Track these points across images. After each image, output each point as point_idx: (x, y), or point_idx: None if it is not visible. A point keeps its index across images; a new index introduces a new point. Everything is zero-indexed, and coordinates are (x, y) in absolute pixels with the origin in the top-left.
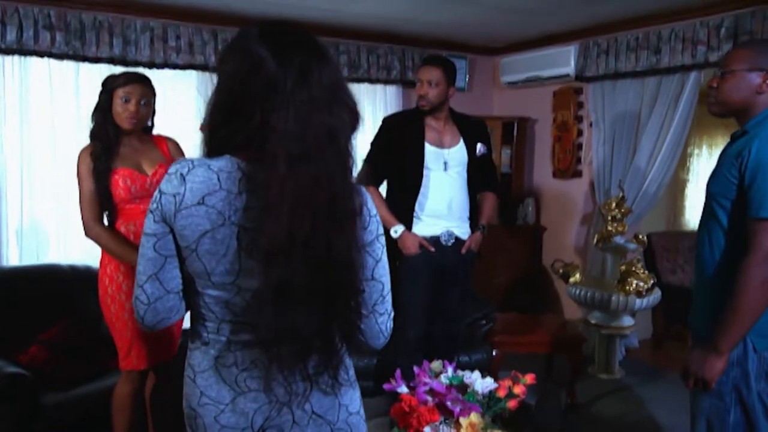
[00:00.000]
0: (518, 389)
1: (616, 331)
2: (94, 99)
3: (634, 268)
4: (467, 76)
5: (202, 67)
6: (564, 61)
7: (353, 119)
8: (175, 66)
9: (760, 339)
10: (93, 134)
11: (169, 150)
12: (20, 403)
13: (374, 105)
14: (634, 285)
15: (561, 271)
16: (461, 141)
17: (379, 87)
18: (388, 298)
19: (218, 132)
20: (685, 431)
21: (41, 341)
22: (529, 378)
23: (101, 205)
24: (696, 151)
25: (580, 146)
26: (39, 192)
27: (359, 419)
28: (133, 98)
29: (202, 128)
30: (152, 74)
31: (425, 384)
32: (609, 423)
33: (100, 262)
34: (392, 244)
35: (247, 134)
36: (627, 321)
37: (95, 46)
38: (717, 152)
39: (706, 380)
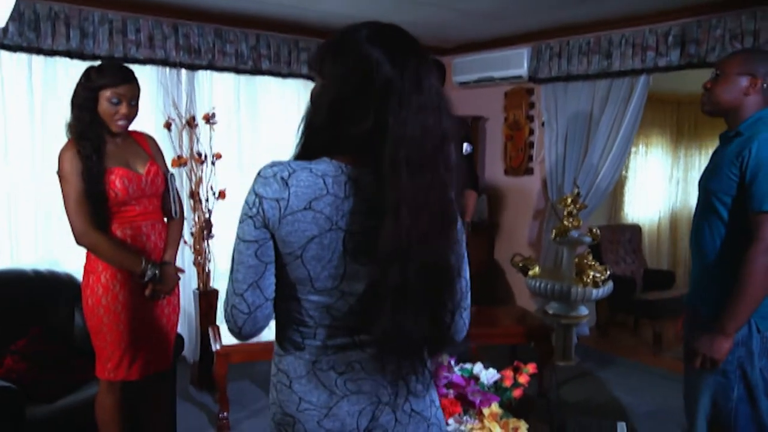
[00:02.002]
0: (523, 378)
1: (573, 320)
2: (47, 94)
3: (586, 261)
4: None
5: (162, 62)
6: (517, 62)
7: (457, 126)
8: (134, 60)
9: (762, 320)
10: (81, 134)
11: (150, 146)
12: (8, 418)
13: None
14: (591, 276)
15: (521, 264)
16: None
17: None
18: (469, 292)
19: (321, 134)
20: (646, 410)
21: (14, 352)
22: (531, 367)
23: (93, 209)
24: (634, 149)
25: (531, 145)
26: None
27: (441, 412)
28: (125, 100)
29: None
30: None
31: (444, 377)
32: (578, 407)
33: (88, 270)
34: None
35: (356, 137)
36: (583, 311)
37: (51, 38)
38: (653, 150)
39: (715, 360)
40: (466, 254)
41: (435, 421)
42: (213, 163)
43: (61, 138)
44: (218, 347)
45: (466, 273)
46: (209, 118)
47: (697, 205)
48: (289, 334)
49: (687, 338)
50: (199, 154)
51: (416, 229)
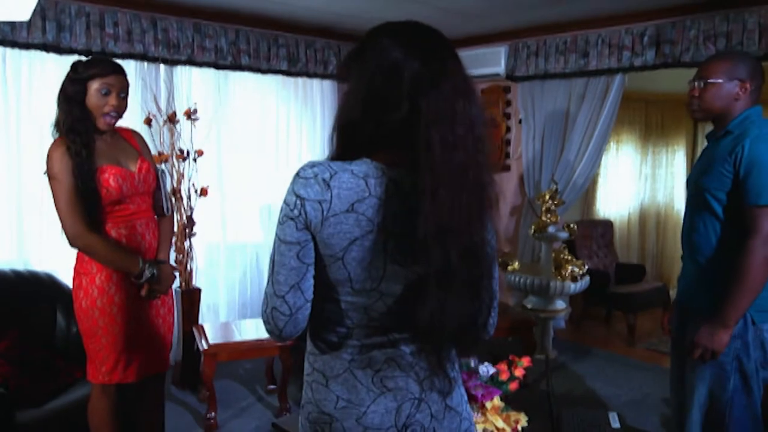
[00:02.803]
0: (518, 372)
1: (551, 314)
2: (22, 89)
3: (563, 255)
4: None
5: (141, 57)
6: (495, 60)
7: (484, 113)
8: (113, 55)
9: (757, 313)
10: (71, 129)
11: (137, 142)
12: None
13: (311, 99)
14: (569, 270)
15: (500, 259)
16: None
17: (315, 81)
18: (498, 292)
19: (357, 131)
20: (624, 400)
21: None
22: (525, 360)
23: (86, 209)
24: (605, 147)
25: (508, 142)
26: None
27: (469, 407)
28: (114, 90)
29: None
30: None
31: None
32: (561, 399)
33: (80, 272)
34: None
35: (392, 128)
36: (560, 304)
37: (26, 30)
38: (624, 148)
39: (715, 351)
40: (496, 255)
41: (466, 415)
42: (195, 160)
43: (38, 134)
44: (205, 346)
45: (496, 272)
46: (190, 114)
47: (688, 202)
48: (325, 334)
49: (676, 333)
50: (181, 151)
51: (456, 210)
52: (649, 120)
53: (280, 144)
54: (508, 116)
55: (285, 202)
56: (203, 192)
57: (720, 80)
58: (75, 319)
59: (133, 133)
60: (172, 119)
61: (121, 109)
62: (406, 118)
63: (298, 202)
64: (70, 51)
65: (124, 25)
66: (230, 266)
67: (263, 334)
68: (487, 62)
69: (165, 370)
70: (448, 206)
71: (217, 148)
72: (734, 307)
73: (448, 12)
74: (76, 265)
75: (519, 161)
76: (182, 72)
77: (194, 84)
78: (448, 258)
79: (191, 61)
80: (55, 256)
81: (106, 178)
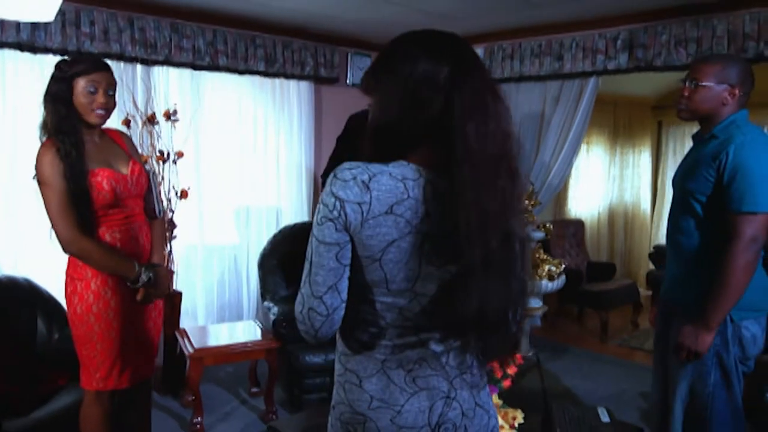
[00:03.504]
0: (511, 370)
1: (529, 312)
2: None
3: (539, 255)
4: None
5: (118, 57)
6: None
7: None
8: (89, 54)
9: (736, 311)
10: (58, 129)
11: (126, 144)
12: None
13: (288, 100)
14: (546, 270)
15: None
16: None
17: (293, 82)
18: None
19: (394, 129)
20: (601, 395)
21: None
22: (518, 358)
23: (79, 213)
24: (579, 148)
25: None
26: None
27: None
28: (101, 87)
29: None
30: None
31: None
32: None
33: (74, 277)
34: None
35: (428, 123)
36: (536, 303)
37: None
38: (594, 149)
39: (699, 352)
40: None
41: (493, 413)
42: (175, 162)
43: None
44: (191, 350)
45: (527, 262)
46: (170, 115)
47: (673, 203)
48: (358, 334)
49: (660, 330)
50: (161, 153)
51: (493, 198)
52: (617, 122)
53: (258, 145)
54: None
55: (323, 203)
56: (183, 194)
57: (710, 83)
58: (56, 325)
59: (122, 135)
60: (151, 120)
61: (109, 106)
62: (440, 114)
63: (338, 203)
64: (45, 50)
65: (101, 24)
66: (208, 269)
67: (247, 337)
68: None
69: (152, 374)
70: (487, 194)
71: (195, 149)
72: (717, 310)
73: (426, 14)
74: (68, 270)
75: None
76: (159, 72)
77: (171, 84)
78: (489, 246)
79: (169, 62)
80: (31, 261)
81: (99, 181)
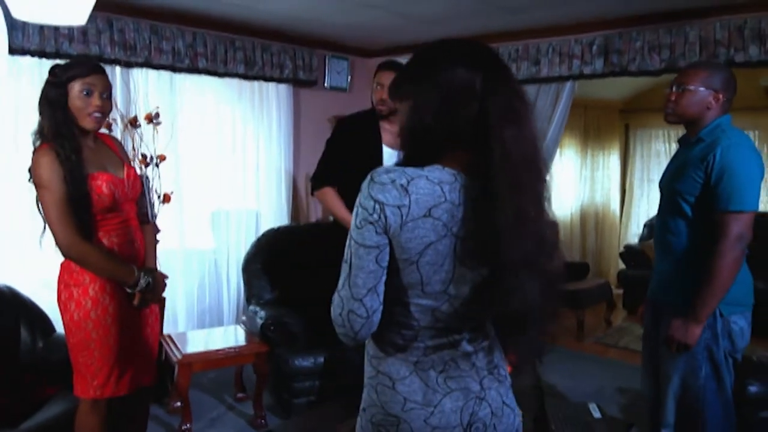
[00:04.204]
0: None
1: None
2: None
3: None
4: (349, 77)
5: (98, 59)
6: None
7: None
8: (68, 56)
9: (725, 306)
10: (57, 133)
11: (117, 148)
12: None
13: (267, 103)
14: None
15: None
16: None
17: (272, 85)
18: None
19: (429, 133)
20: (582, 392)
21: None
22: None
23: (78, 217)
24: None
25: None
26: None
27: None
28: (96, 90)
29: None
30: (41, 66)
31: None
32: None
33: (70, 283)
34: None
35: (464, 128)
36: None
37: None
38: (566, 151)
39: (689, 345)
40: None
41: (518, 412)
42: (157, 165)
43: None
44: (179, 357)
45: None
46: (152, 119)
47: (661, 205)
48: (390, 336)
49: (650, 327)
50: (144, 156)
51: (530, 199)
52: (587, 125)
53: (237, 148)
54: None
55: (362, 206)
56: (166, 198)
57: (696, 87)
58: (40, 333)
59: (113, 139)
60: (133, 123)
61: (105, 110)
62: (475, 120)
63: (377, 206)
64: (23, 52)
65: (79, 26)
66: (188, 273)
67: (233, 342)
68: None
69: (152, 381)
70: (523, 197)
71: (174, 152)
72: (706, 305)
73: (405, 18)
74: (63, 276)
75: None
76: (139, 75)
77: (151, 87)
78: (525, 248)
79: (148, 64)
80: (11, 268)
81: (98, 185)
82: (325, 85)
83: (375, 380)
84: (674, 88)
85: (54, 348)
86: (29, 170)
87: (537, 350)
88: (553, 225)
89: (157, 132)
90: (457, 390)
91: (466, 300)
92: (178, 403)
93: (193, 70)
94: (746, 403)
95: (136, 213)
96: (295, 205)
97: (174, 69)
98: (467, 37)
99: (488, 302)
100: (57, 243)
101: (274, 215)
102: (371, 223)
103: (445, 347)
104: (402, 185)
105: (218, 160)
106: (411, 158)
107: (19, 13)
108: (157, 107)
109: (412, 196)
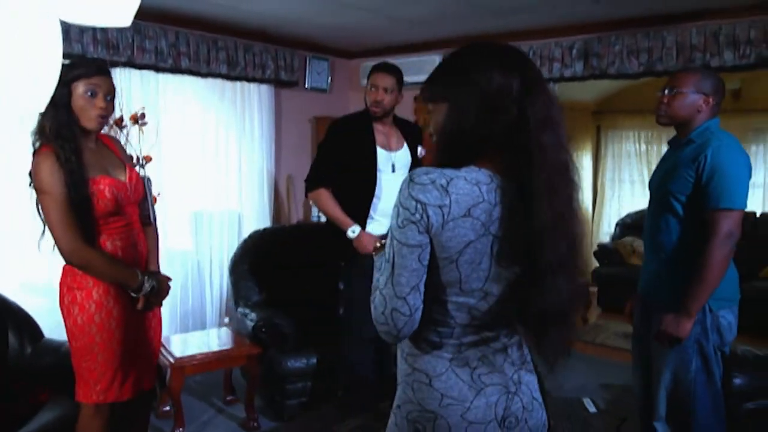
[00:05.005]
0: None
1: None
2: None
3: None
4: (329, 78)
5: (81, 58)
6: (429, 68)
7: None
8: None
9: (714, 301)
10: (58, 135)
11: (118, 149)
12: None
13: (249, 103)
14: None
15: None
16: (405, 144)
17: (254, 86)
18: None
19: (468, 136)
20: (568, 388)
21: None
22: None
23: (80, 222)
24: None
25: None
26: None
27: None
28: (100, 92)
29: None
30: None
31: None
32: None
33: (73, 287)
34: (338, 246)
35: (502, 131)
36: None
37: None
38: None
39: (680, 338)
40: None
41: (544, 407)
42: (143, 167)
43: None
44: (172, 360)
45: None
46: (137, 119)
47: (651, 203)
48: (427, 334)
49: (640, 324)
50: (130, 157)
51: (564, 203)
52: None
53: (219, 148)
54: None
55: (403, 206)
56: (153, 200)
57: (687, 91)
58: (28, 338)
59: (114, 140)
60: (119, 124)
61: (108, 112)
62: (513, 123)
63: (419, 206)
64: None
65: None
66: (170, 275)
67: (222, 344)
68: (422, 70)
69: (152, 386)
70: (559, 200)
71: (158, 152)
72: (696, 300)
73: (391, 19)
74: (65, 280)
75: None
76: (122, 74)
77: (134, 87)
78: (559, 249)
79: (131, 63)
80: None
81: (101, 189)
82: (306, 85)
83: (411, 377)
84: (666, 91)
85: (43, 353)
86: (29, 174)
87: (563, 350)
88: (582, 227)
89: (142, 133)
90: (491, 385)
91: (502, 298)
92: (167, 407)
93: (176, 70)
94: (732, 394)
95: (138, 215)
96: (277, 206)
97: (157, 69)
98: (496, 41)
99: (523, 301)
100: (59, 248)
101: (257, 216)
102: (413, 222)
103: (479, 344)
104: (442, 185)
105: (200, 161)
106: (446, 159)
107: (66, 16)
108: (143, 108)
109: (452, 196)
